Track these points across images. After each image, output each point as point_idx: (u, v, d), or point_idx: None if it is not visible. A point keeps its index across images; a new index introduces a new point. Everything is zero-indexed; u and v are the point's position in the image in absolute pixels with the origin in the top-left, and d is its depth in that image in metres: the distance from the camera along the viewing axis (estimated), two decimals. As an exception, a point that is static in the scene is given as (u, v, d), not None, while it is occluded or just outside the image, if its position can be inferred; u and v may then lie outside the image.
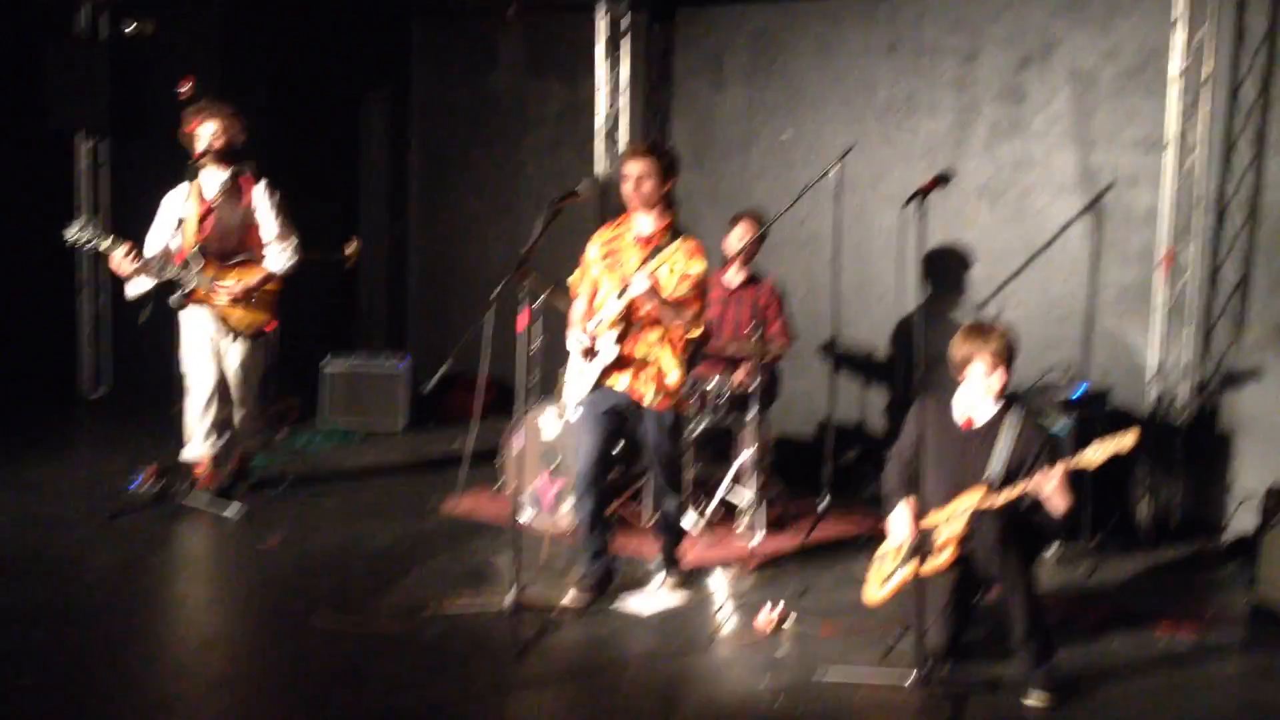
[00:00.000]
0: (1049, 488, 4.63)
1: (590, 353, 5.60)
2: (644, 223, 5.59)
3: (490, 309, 5.61)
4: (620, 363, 5.56)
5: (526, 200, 9.65)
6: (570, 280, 5.86)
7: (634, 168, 5.49)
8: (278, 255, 6.80)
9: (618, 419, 5.67)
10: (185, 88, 6.95)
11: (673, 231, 5.55)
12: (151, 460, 7.21)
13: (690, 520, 6.55)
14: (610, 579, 5.75)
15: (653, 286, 5.35)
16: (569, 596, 5.60)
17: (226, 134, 6.64)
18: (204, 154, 6.61)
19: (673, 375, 5.60)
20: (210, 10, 9.18)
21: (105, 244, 6.57)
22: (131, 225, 6.98)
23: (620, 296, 5.47)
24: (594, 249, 5.75)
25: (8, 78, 8.96)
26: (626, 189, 5.52)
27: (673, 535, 5.92)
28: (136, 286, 6.67)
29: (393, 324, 10.61)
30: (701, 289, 5.53)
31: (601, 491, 5.72)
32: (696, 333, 5.55)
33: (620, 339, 5.53)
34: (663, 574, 5.90)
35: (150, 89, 8.84)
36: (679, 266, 5.47)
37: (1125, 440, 4.56)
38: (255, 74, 9.29)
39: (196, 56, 9.02)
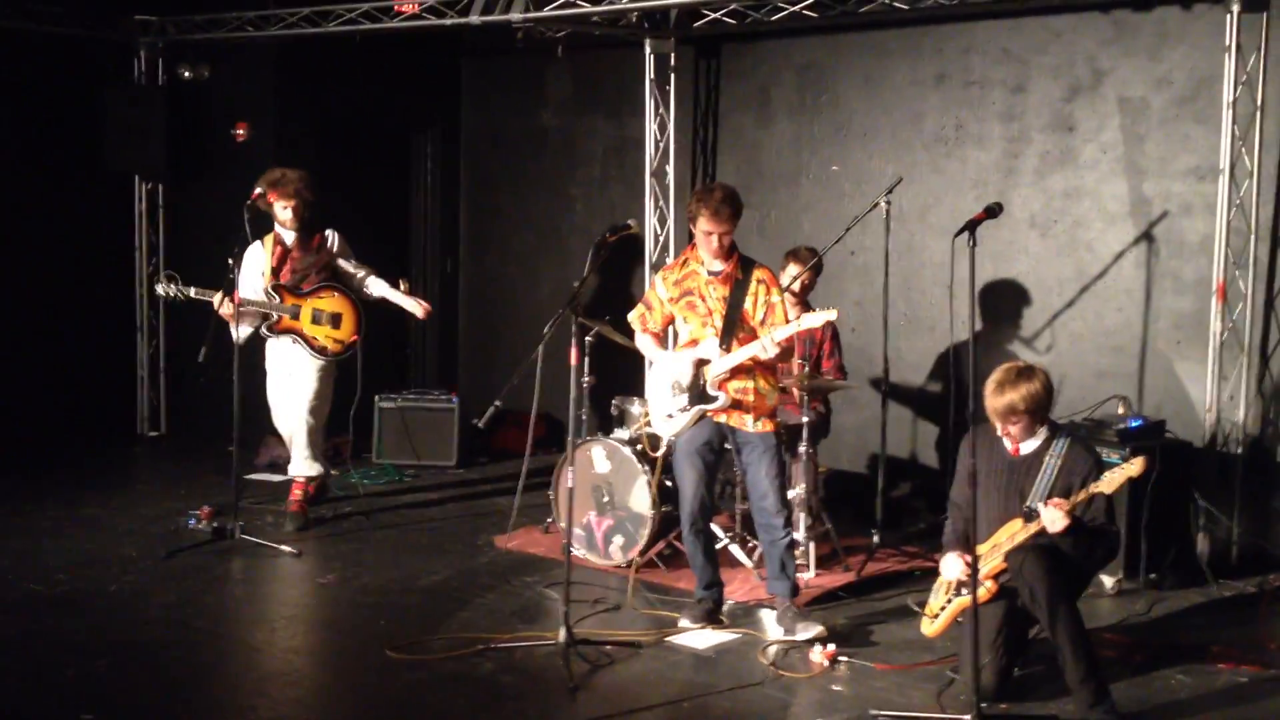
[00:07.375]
0: (1051, 519, 4.69)
1: (695, 390, 5.65)
2: (715, 261, 5.68)
3: (541, 344, 5.64)
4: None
5: (576, 236, 9.71)
6: (632, 317, 5.94)
7: (718, 227, 5.53)
8: (375, 281, 7.24)
9: (717, 452, 5.77)
10: (240, 132, 7.14)
11: (743, 262, 5.68)
12: (207, 499, 7.33)
13: (742, 555, 6.55)
14: (720, 608, 5.86)
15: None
16: (682, 621, 5.73)
17: (300, 212, 7.06)
18: (281, 224, 7.07)
19: (771, 398, 5.75)
20: (264, 55, 9.34)
21: (191, 293, 6.99)
22: (187, 265, 7.12)
23: (733, 351, 5.56)
24: (663, 288, 5.81)
25: (70, 122, 9.17)
26: (709, 244, 5.58)
27: (789, 563, 5.75)
28: (241, 331, 6.94)
29: (444, 360, 10.68)
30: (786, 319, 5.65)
31: (710, 524, 5.87)
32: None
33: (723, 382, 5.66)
34: (786, 605, 5.75)
35: (206, 133, 9.02)
36: (762, 297, 5.64)
37: (1132, 468, 4.71)
38: (307, 116, 9.43)
39: (250, 100, 9.20)
